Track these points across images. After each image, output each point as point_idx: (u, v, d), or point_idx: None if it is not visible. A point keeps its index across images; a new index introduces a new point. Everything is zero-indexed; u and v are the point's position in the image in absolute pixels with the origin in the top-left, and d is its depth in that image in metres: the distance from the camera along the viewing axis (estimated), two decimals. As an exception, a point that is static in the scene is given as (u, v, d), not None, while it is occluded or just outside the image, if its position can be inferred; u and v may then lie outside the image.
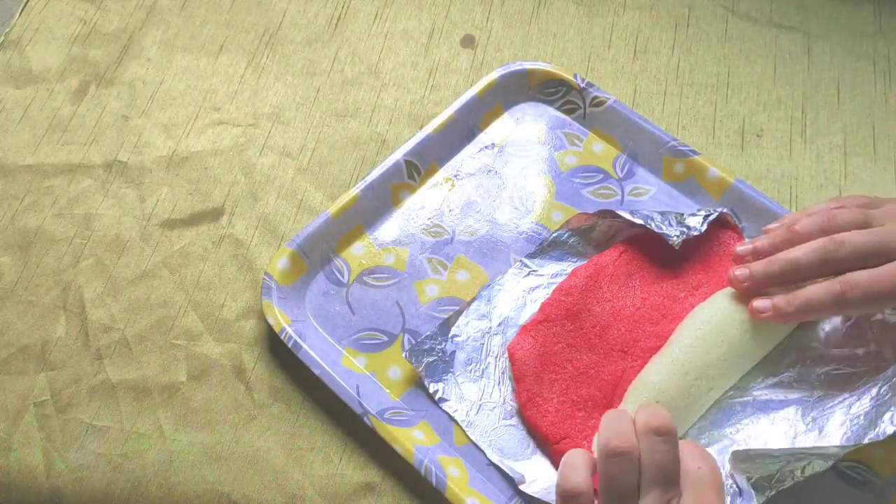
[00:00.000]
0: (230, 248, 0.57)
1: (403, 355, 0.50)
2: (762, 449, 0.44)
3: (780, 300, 0.46)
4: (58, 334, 0.54)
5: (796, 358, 0.48)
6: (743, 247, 0.50)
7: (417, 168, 0.58)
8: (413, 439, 0.48)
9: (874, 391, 0.44)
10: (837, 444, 0.43)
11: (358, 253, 0.56)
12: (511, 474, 0.47)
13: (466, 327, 0.51)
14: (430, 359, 0.50)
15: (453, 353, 0.51)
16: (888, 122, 0.61)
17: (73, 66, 0.66)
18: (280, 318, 0.51)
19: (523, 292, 0.53)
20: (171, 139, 0.62)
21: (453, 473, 0.47)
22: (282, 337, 0.51)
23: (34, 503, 0.49)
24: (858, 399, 0.45)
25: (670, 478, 0.38)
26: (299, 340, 0.51)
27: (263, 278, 0.53)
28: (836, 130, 0.61)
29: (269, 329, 0.52)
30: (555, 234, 0.54)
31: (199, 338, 0.53)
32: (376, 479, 0.48)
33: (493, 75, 0.61)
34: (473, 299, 0.52)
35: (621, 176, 0.58)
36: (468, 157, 0.60)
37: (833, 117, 0.61)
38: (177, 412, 0.51)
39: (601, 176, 0.58)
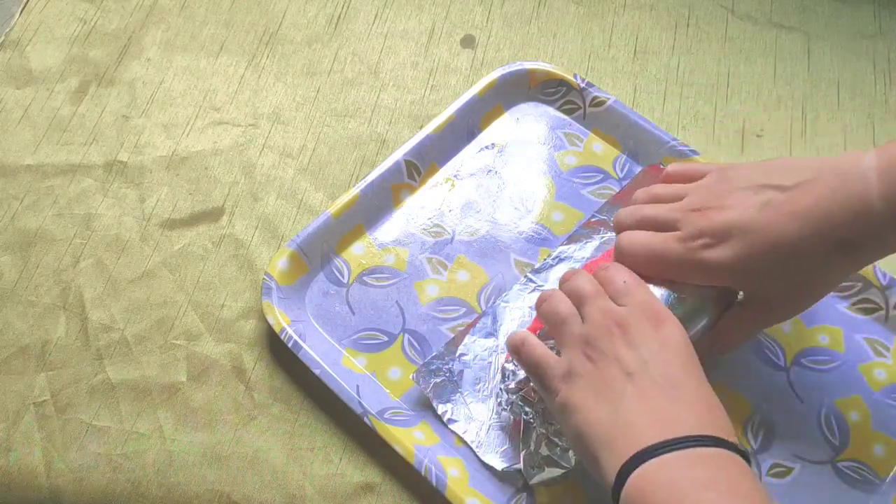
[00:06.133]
0: (230, 248, 0.57)
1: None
2: None
3: None
4: (58, 334, 0.54)
5: None
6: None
7: (417, 168, 0.58)
8: (413, 439, 0.48)
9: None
10: None
11: (358, 253, 0.56)
12: (520, 465, 0.46)
13: (474, 345, 0.51)
14: (438, 379, 0.50)
15: (461, 372, 0.50)
16: (888, 122, 0.61)
17: (73, 66, 0.66)
18: (280, 318, 0.51)
19: (529, 308, 0.52)
20: (171, 139, 0.62)
21: (453, 473, 0.47)
22: (282, 337, 0.51)
23: (34, 503, 0.49)
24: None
25: (597, 291, 0.44)
26: (299, 340, 0.51)
27: (263, 278, 0.53)
28: (836, 130, 0.61)
29: (269, 329, 0.52)
30: (559, 250, 0.54)
31: (199, 338, 0.53)
32: (376, 479, 0.48)
33: (493, 75, 0.61)
34: (479, 316, 0.52)
35: (621, 176, 0.58)
36: (468, 157, 0.60)
37: (833, 117, 0.61)
38: (177, 412, 0.51)
39: (601, 176, 0.58)
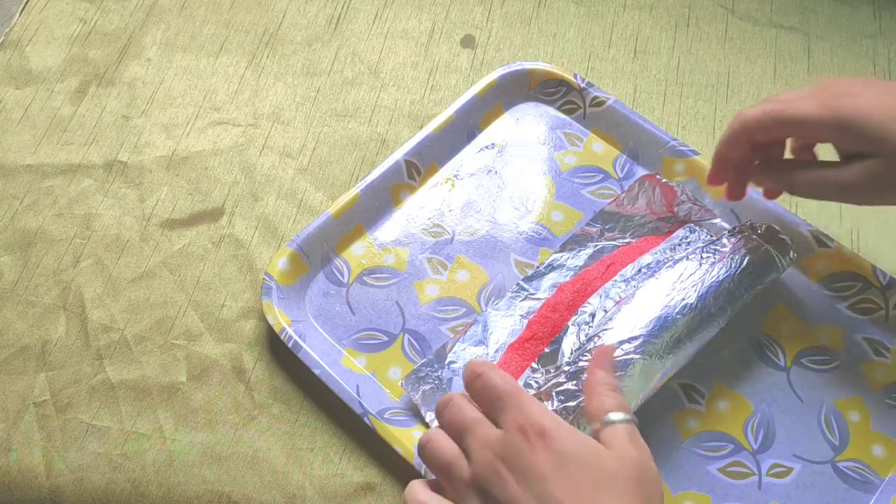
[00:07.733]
0: (230, 248, 0.57)
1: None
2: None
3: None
4: (58, 334, 0.54)
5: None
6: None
7: (417, 168, 0.58)
8: (413, 439, 0.48)
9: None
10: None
11: (358, 253, 0.56)
12: None
13: (463, 353, 0.51)
14: (427, 386, 0.49)
15: (450, 379, 0.50)
16: (888, 122, 0.61)
17: (73, 66, 0.66)
18: (280, 318, 0.51)
19: (520, 317, 0.52)
20: (171, 139, 0.62)
21: (453, 473, 0.47)
22: (282, 337, 0.51)
23: (34, 503, 0.49)
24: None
25: (473, 418, 0.40)
26: (299, 340, 0.51)
27: (263, 278, 0.53)
28: (836, 130, 0.61)
29: (269, 329, 0.52)
30: (552, 258, 0.54)
31: (199, 338, 0.53)
32: (376, 479, 0.48)
33: (493, 75, 0.61)
34: (470, 325, 0.52)
35: (621, 176, 0.58)
36: (468, 157, 0.60)
37: (833, 117, 0.61)
38: (177, 412, 0.51)
39: (601, 176, 0.58)
